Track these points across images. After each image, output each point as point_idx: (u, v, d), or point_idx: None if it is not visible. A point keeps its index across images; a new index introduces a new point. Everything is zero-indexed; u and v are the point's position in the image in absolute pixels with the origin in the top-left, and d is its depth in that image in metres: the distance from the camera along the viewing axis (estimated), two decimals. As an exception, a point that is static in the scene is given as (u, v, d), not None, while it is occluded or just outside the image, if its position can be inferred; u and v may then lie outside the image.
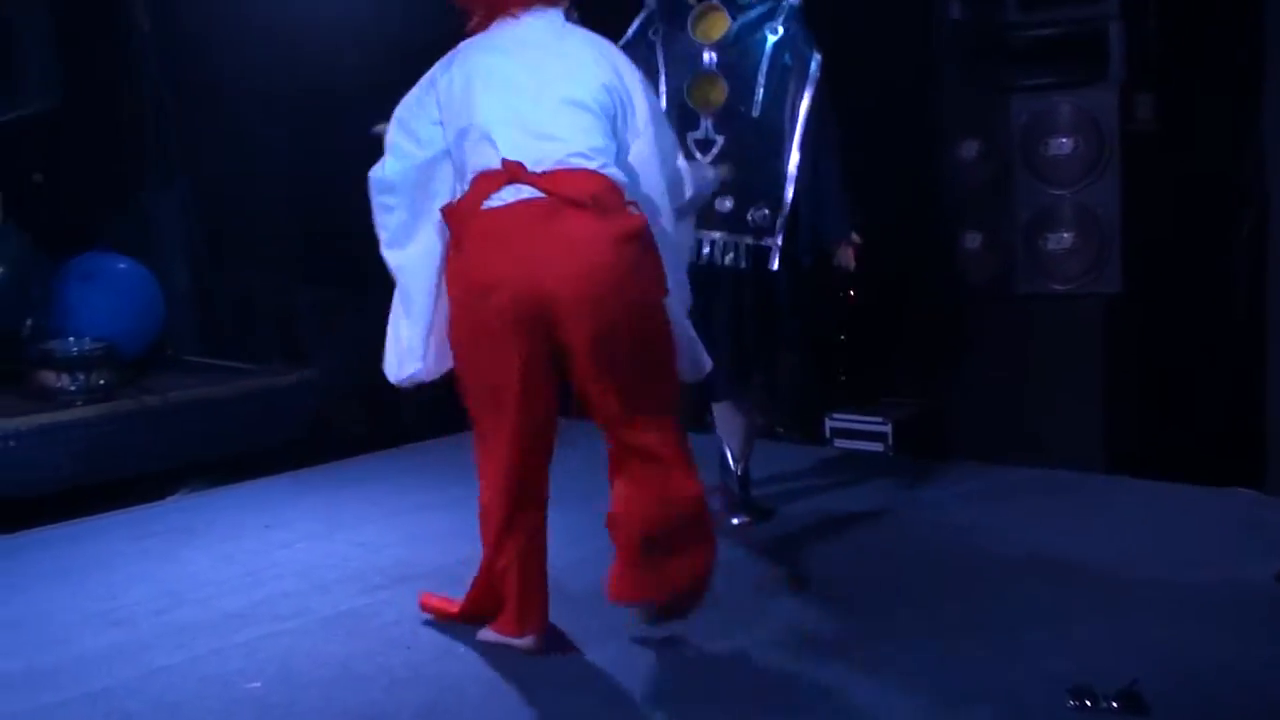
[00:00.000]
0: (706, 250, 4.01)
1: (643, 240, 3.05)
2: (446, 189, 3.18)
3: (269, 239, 5.95)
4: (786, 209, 4.01)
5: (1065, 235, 5.07)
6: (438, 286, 3.18)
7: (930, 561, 3.86)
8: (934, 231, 5.31)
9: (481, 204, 3.02)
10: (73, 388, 5.01)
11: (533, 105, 3.07)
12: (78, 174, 5.62)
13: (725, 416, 4.21)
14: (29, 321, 5.39)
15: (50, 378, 5.03)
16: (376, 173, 3.23)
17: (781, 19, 4.01)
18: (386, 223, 3.24)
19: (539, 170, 3.01)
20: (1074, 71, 5.04)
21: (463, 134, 3.10)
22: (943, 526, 4.18)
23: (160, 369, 5.52)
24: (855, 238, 4.07)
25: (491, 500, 3.19)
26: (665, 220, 3.21)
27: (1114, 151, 4.99)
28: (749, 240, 4.02)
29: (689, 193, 3.33)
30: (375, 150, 3.26)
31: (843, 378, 5.58)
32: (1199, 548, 3.87)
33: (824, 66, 4.01)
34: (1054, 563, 3.77)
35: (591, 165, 3.04)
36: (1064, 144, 5.05)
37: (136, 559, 4.16)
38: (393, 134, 3.22)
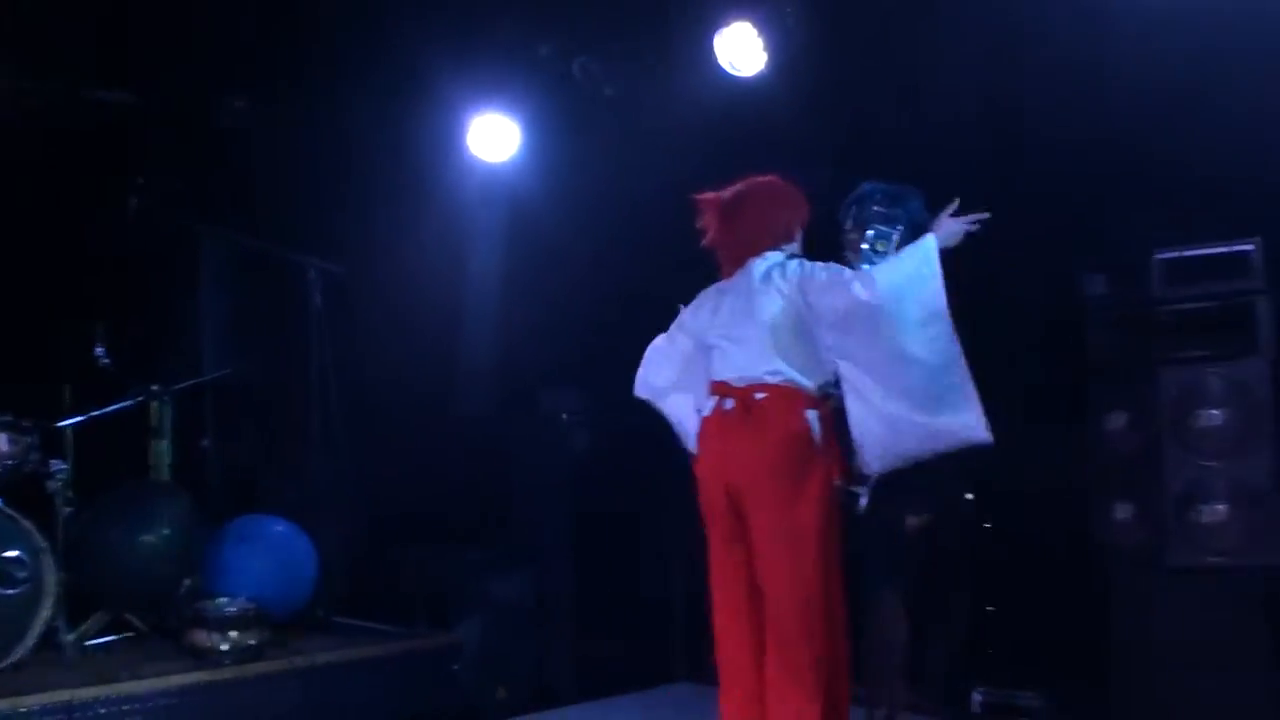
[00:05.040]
0: None
1: (800, 440, 4.13)
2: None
3: (420, 506, 6.35)
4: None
5: (1219, 507, 5.06)
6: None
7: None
8: (1083, 502, 5.37)
9: (701, 411, 4.35)
10: (224, 647, 5.22)
11: (741, 333, 4.25)
12: (245, 439, 6.17)
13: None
14: (187, 581, 5.73)
15: (203, 637, 5.25)
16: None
17: None
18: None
19: (738, 385, 4.22)
20: (1222, 345, 5.13)
21: (704, 348, 4.42)
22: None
23: (310, 630, 5.78)
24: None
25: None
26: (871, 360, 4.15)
27: (1267, 423, 5.01)
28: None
29: (858, 297, 4.09)
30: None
31: (990, 651, 5.58)
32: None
33: None
34: None
35: (774, 380, 4.19)
36: (1215, 416, 5.11)
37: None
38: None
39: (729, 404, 4.25)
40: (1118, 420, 5.35)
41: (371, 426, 6.27)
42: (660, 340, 4.66)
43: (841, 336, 4.16)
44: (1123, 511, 5.31)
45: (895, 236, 4.43)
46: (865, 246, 4.45)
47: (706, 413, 4.35)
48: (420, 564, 6.26)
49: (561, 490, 6.42)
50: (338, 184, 6.43)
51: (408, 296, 6.34)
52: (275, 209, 6.38)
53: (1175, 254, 5.26)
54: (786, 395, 4.19)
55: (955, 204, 4.26)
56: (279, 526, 5.98)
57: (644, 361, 4.69)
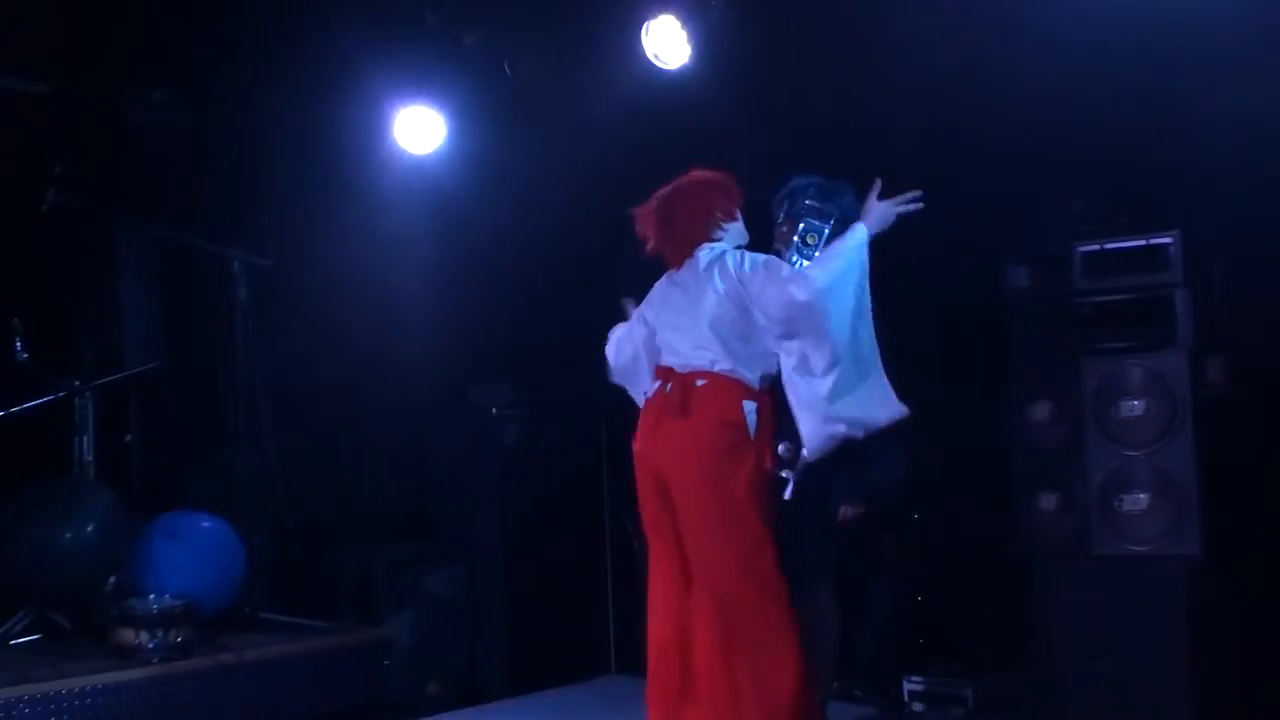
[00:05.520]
0: None
1: (732, 428, 4.23)
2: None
3: (349, 501, 6.37)
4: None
5: (1141, 497, 5.15)
6: None
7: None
8: (1007, 493, 5.43)
9: (645, 391, 4.49)
10: (150, 645, 5.14)
11: (688, 323, 4.36)
12: (169, 434, 6.05)
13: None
14: (113, 579, 5.67)
15: (129, 635, 5.17)
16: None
17: None
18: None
19: (680, 371, 4.33)
20: (1142, 336, 5.22)
21: (653, 334, 4.55)
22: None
23: (238, 627, 5.71)
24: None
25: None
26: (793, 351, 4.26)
27: (1187, 414, 5.10)
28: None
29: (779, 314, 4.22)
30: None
31: (921, 640, 5.68)
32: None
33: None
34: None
35: (714, 369, 4.31)
36: (1135, 406, 5.19)
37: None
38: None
39: (669, 388, 4.36)
40: (1041, 411, 5.40)
41: (299, 420, 6.20)
42: (621, 327, 4.77)
43: (784, 330, 4.25)
44: (1047, 501, 5.36)
45: (826, 230, 4.48)
46: (795, 239, 4.50)
47: (649, 394, 4.46)
48: (349, 559, 6.19)
49: (492, 484, 6.38)
50: (262, 176, 6.37)
51: (335, 289, 6.30)
52: (198, 201, 6.31)
53: (1096, 247, 5.30)
54: (725, 384, 4.29)
55: (879, 185, 4.37)
56: (205, 522, 5.88)
57: (608, 348, 4.80)
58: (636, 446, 4.44)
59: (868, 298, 4.27)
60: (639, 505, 4.46)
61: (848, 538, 4.73)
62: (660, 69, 5.66)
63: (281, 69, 6.15)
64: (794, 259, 4.49)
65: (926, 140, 5.58)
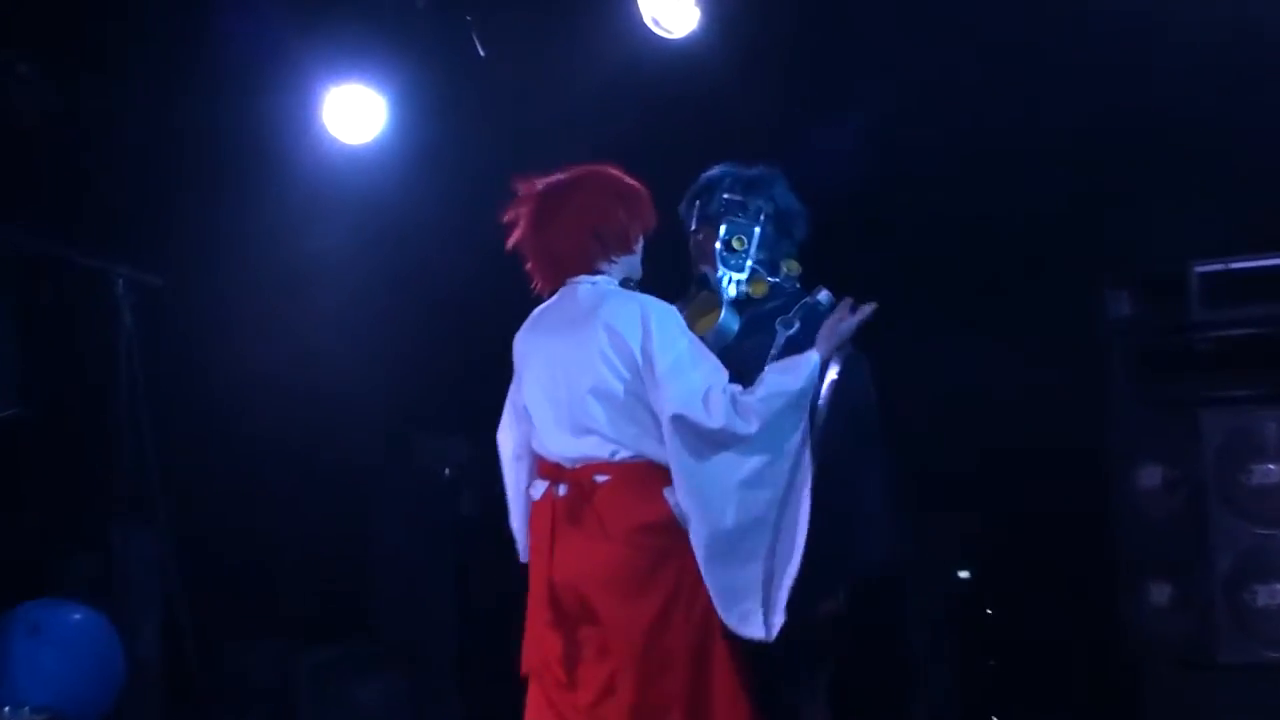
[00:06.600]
0: None
1: (659, 531, 3.47)
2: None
3: (260, 587, 5.91)
4: None
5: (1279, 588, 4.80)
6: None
7: None
8: (1110, 581, 5.05)
9: (529, 491, 3.72)
10: None
11: (564, 396, 3.55)
12: (31, 500, 5.59)
13: None
14: None
15: None
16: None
17: (799, 314, 3.71)
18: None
19: (571, 467, 3.54)
20: (1278, 380, 4.85)
21: (526, 410, 3.70)
22: None
23: None
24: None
25: None
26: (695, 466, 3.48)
27: None
28: None
29: (715, 424, 3.44)
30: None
31: None
32: None
33: (864, 373, 3.74)
34: None
35: (616, 458, 3.50)
36: (1272, 471, 4.81)
37: None
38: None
39: (562, 490, 3.53)
40: (1150, 477, 5.01)
41: (199, 483, 5.63)
42: (504, 423, 3.87)
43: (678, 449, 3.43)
44: (1159, 593, 4.97)
45: (757, 230, 3.78)
46: (718, 247, 3.77)
47: (536, 497, 3.62)
48: (261, 662, 5.82)
49: (443, 566, 5.96)
50: (155, 172, 5.77)
51: (245, 315, 5.72)
52: (73, 203, 5.74)
53: (1218, 266, 4.92)
54: (636, 474, 3.47)
55: (848, 304, 3.55)
56: (77, 614, 5.20)
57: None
58: (535, 569, 3.64)
59: (805, 468, 3.44)
60: (527, 653, 3.65)
61: (833, 641, 3.98)
62: (661, 38, 5.26)
63: (181, 37, 5.54)
64: (720, 276, 3.78)
65: (993, 129, 5.20)
